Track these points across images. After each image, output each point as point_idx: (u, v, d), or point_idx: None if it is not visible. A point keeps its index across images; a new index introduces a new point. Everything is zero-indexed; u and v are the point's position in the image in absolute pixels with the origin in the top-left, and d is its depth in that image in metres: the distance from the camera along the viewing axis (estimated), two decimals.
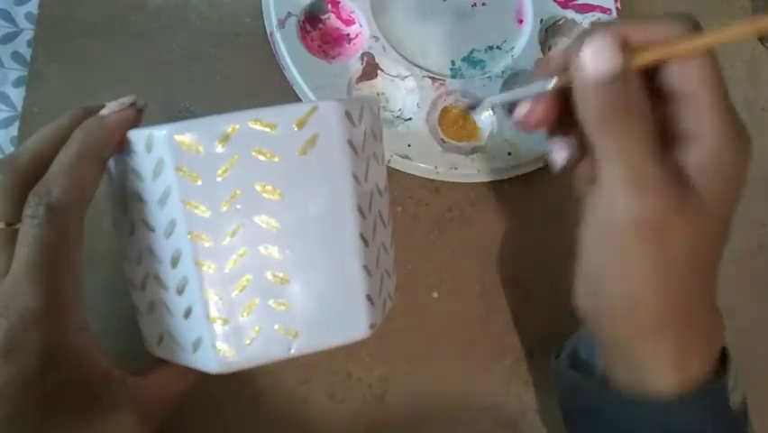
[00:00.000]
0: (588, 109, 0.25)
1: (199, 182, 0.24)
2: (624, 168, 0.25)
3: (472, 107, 0.27)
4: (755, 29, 0.23)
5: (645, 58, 0.25)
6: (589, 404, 0.31)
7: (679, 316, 0.26)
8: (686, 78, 0.25)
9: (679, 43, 0.24)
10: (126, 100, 0.27)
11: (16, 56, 0.36)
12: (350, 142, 0.25)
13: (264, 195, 0.24)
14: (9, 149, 0.35)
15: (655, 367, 0.27)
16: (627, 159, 0.25)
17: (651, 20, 0.25)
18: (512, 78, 0.41)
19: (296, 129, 0.24)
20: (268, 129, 0.24)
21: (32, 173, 0.25)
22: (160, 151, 0.24)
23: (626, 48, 0.24)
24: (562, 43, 0.44)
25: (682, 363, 0.27)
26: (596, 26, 0.26)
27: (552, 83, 0.27)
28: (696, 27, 0.25)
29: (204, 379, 0.26)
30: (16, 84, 0.36)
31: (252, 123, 0.24)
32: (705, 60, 0.25)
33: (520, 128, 0.29)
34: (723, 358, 0.29)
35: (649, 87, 0.25)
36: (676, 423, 0.27)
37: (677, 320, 0.26)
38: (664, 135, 0.26)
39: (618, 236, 0.26)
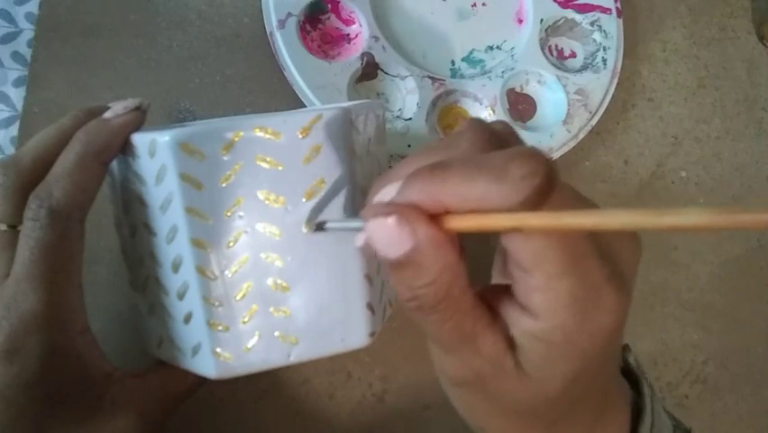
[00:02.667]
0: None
1: (202, 189, 0.23)
2: (433, 340, 0.21)
3: (318, 227, 0.25)
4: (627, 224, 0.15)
5: (458, 224, 0.18)
6: None
7: None
8: (516, 251, 0.19)
9: (502, 219, 0.17)
10: (131, 104, 0.26)
11: (16, 56, 0.36)
12: (353, 151, 0.25)
13: (267, 203, 0.24)
14: (9, 149, 0.35)
15: None
16: (436, 335, 0.20)
17: (483, 171, 0.17)
18: (512, 78, 0.41)
19: (300, 137, 0.24)
20: (272, 137, 0.24)
21: (33, 174, 0.25)
22: (164, 157, 0.23)
23: (426, 219, 0.18)
24: (563, 41, 0.44)
25: None
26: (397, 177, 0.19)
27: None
28: (543, 189, 0.17)
29: (204, 380, 0.27)
30: (16, 84, 0.36)
31: (257, 130, 0.24)
32: (543, 237, 0.18)
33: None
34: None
35: None
36: None
37: None
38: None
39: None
